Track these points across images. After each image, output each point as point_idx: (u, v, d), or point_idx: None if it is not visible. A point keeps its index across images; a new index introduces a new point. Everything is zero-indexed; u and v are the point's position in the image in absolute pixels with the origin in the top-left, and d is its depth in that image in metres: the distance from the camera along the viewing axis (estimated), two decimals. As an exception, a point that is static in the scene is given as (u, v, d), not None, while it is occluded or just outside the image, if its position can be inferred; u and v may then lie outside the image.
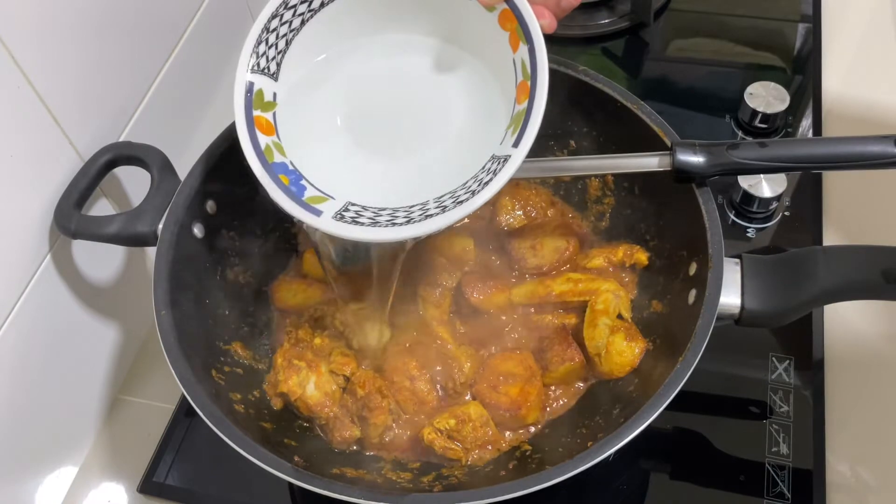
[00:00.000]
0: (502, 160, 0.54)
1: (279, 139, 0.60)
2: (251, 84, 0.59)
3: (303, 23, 0.61)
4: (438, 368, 0.67)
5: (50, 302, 0.67)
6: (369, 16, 0.63)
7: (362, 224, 0.55)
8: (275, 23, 0.60)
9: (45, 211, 0.65)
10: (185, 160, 0.70)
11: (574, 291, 0.70)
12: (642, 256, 0.71)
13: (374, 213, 0.57)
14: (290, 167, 0.59)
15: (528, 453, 0.64)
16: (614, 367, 0.66)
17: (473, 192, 0.54)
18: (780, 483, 0.66)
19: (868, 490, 0.67)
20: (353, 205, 0.58)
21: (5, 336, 0.63)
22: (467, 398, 0.68)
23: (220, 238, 0.71)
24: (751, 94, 0.90)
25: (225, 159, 0.69)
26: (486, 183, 0.53)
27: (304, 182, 0.59)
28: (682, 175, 0.62)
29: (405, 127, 0.62)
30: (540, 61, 0.54)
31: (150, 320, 0.62)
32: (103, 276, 0.74)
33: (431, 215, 0.54)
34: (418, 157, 0.60)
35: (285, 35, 0.61)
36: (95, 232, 0.65)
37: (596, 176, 0.76)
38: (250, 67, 0.59)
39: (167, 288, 0.62)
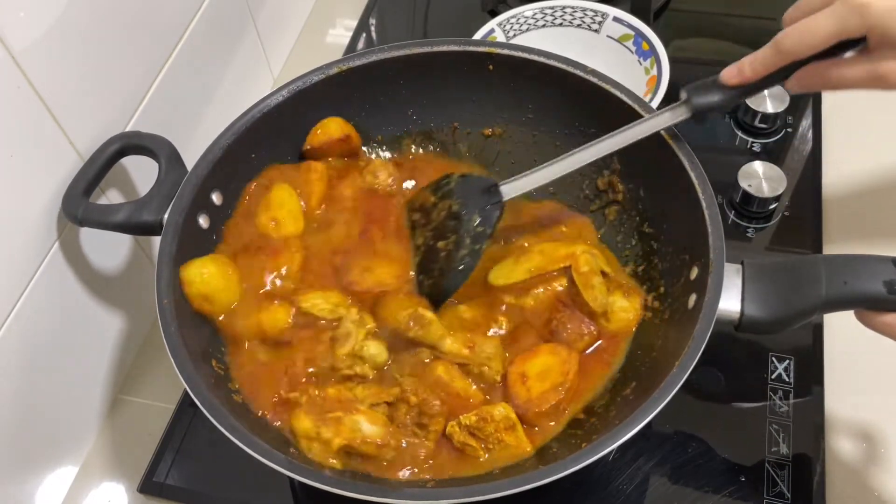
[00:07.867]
0: None
1: None
2: None
3: None
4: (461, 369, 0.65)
5: (57, 291, 0.68)
6: None
7: None
8: None
9: (52, 200, 0.66)
10: (191, 151, 0.70)
11: (550, 260, 0.69)
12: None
13: None
14: None
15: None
16: (622, 324, 0.66)
17: None
18: (780, 483, 0.66)
19: (868, 490, 0.67)
20: None
21: (10, 327, 0.63)
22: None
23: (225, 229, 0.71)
24: (751, 93, 0.90)
25: (231, 151, 0.69)
26: None
27: None
28: (701, 116, 0.62)
29: None
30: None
31: (153, 315, 0.62)
32: (110, 266, 0.74)
33: None
34: None
35: None
36: (102, 220, 0.65)
37: (601, 178, 0.76)
38: None
39: (170, 277, 0.62)
